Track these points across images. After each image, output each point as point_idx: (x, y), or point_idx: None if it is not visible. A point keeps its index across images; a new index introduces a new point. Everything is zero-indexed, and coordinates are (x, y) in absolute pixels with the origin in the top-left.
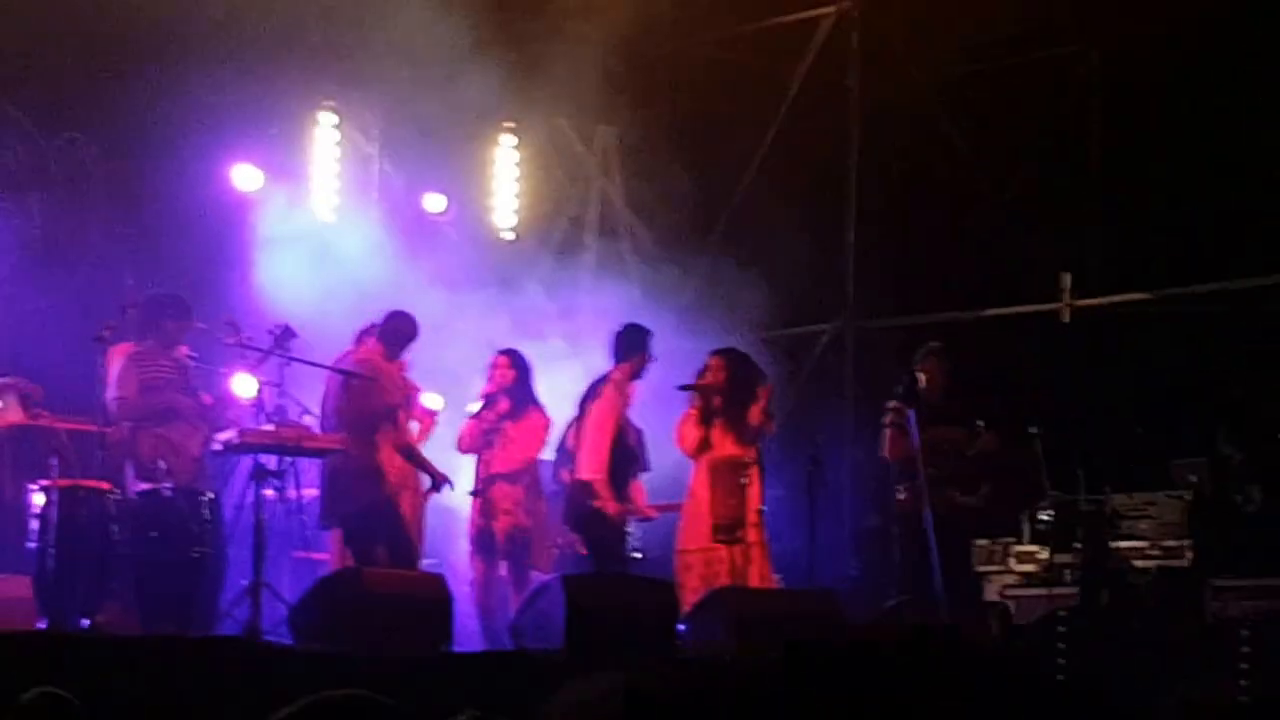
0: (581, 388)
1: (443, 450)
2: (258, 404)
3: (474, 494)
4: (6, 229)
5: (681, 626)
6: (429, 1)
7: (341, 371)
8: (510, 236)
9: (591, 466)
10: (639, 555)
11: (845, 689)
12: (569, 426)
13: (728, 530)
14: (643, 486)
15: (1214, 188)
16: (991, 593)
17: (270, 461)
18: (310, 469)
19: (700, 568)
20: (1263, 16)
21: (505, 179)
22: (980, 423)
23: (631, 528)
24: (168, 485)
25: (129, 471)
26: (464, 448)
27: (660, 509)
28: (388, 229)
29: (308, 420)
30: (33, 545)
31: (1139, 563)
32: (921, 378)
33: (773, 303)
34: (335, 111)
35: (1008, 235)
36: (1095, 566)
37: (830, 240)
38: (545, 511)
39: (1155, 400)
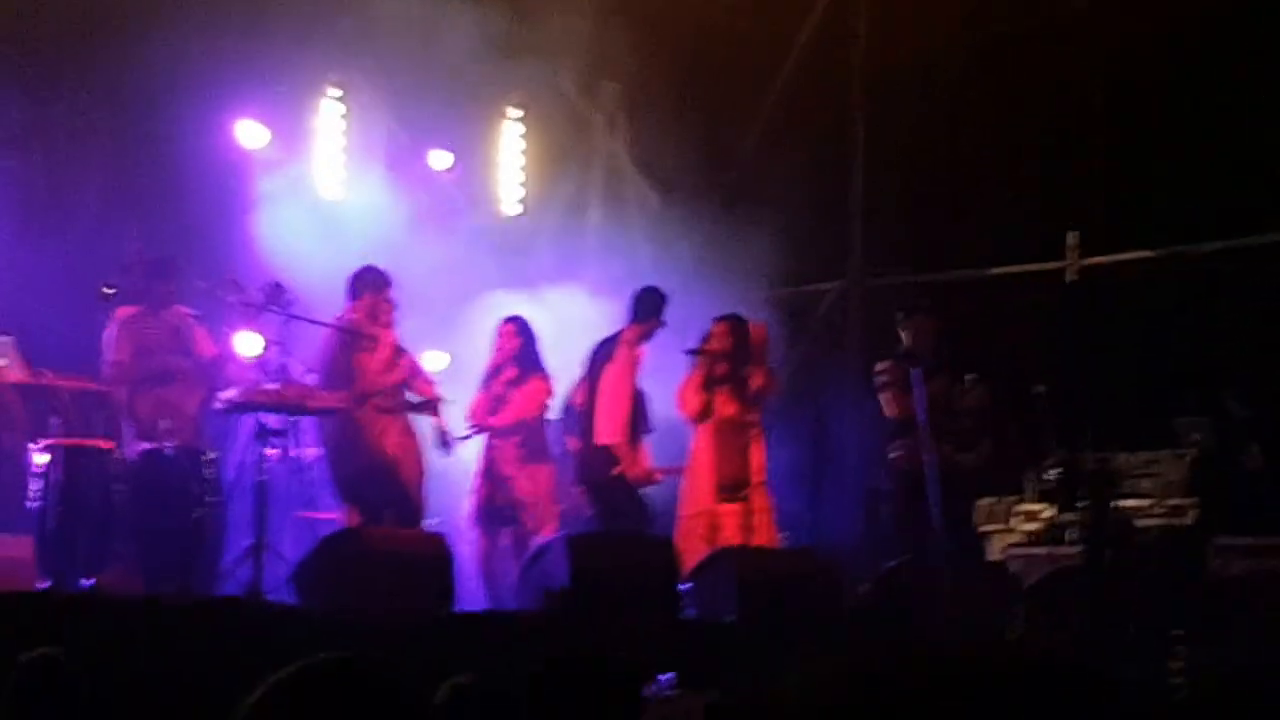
0: (585, 348)
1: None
2: (261, 363)
3: (464, 438)
4: (8, 187)
5: (684, 586)
6: None
7: (337, 328)
8: (516, 194)
9: (610, 431)
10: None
11: None
12: (576, 386)
13: (731, 489)
14: (647, 449)
15: (1221, 145)
16: (994, 552)
17: (273, 421)
18: (313, 428)
19: (703, 530)
20: None
21: (510, 136)
22: (971, 376)
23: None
24: (169, 445)
25: (128, 433)
26: (475, 420)
27: (665, 472)
28: (393, 186)
29: (311, 379)
30: (34, 505)
31: (1142, 521)
32: (906, 336)
33: (778, 261)
34: (340, 86)
35: (1013, 193)
36: (1099, 525)
37: (836, 198)
38: (549, 475)
39: (1160, 358)
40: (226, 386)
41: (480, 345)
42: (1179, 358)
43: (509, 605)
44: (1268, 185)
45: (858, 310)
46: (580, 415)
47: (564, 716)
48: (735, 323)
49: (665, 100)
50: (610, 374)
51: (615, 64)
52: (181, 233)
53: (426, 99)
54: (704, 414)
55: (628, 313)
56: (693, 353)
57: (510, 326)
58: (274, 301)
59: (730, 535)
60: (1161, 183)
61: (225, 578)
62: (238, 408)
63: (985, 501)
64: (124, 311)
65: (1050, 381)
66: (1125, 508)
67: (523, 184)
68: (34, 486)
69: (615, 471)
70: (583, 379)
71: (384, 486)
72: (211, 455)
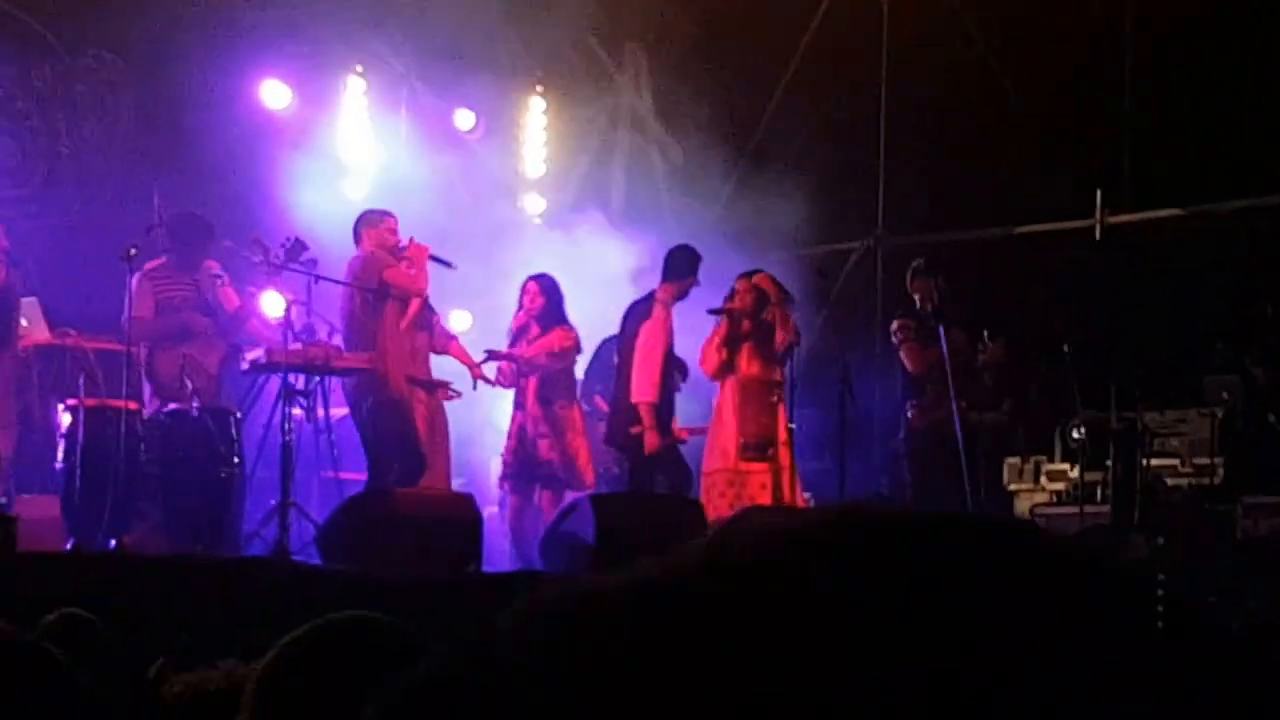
0: (611, 308)
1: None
2: (285, 323)
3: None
4: (34, 147)
5: None
6: None
7: (358, 288)
8: (540, 154)
9: (642, 389)
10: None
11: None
12: (606, 344)
13: (758, 449)
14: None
15: (1249, 102)
16: (1021, 511)
17: (298, 381)
18: (338, 388)
19: (724, 487)
20: None
21: (535, 96)
22: (985, 333)
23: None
24: (195, 404)
25: (146, 391)
26: (506, 383)
27: (691, 432)
28: (417, 146)
29: (336, 340)
30: (60, 465)
31: (1170, 480)
32: (916, 298)
33: (802, 220)
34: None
35: (1040, 151)
36: (1127, 484)
37: (861, 157)
38: (581, 431)
39: (1188, 316)
40: (247, 343)
41: (505, 304)
42: (1207, 316)
43: (535, 561)
44: None
45: (883, 270)
46: (608, 374)
47: None
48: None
49: (690, 59)
50: (645, 333)
51: (640, 23)
52: (205, 192)
53: (450, 59)
54: (723, 371)
55: (661, 272)
56: (716, 312)
57: (534, 284)
58: (294, 258)
59: (754, 494)
60: (1190, 140)
61: (251, 538)
62: (263, 368)
63: (1013, 460)
64: (149, 265)
65: (1077, 340)
66: (1153, 467)
67: (546, 144)
68: (59, 447)
69: (635, 431)
70: (614, 338)
71: (401, 442)
72: (237, 414)
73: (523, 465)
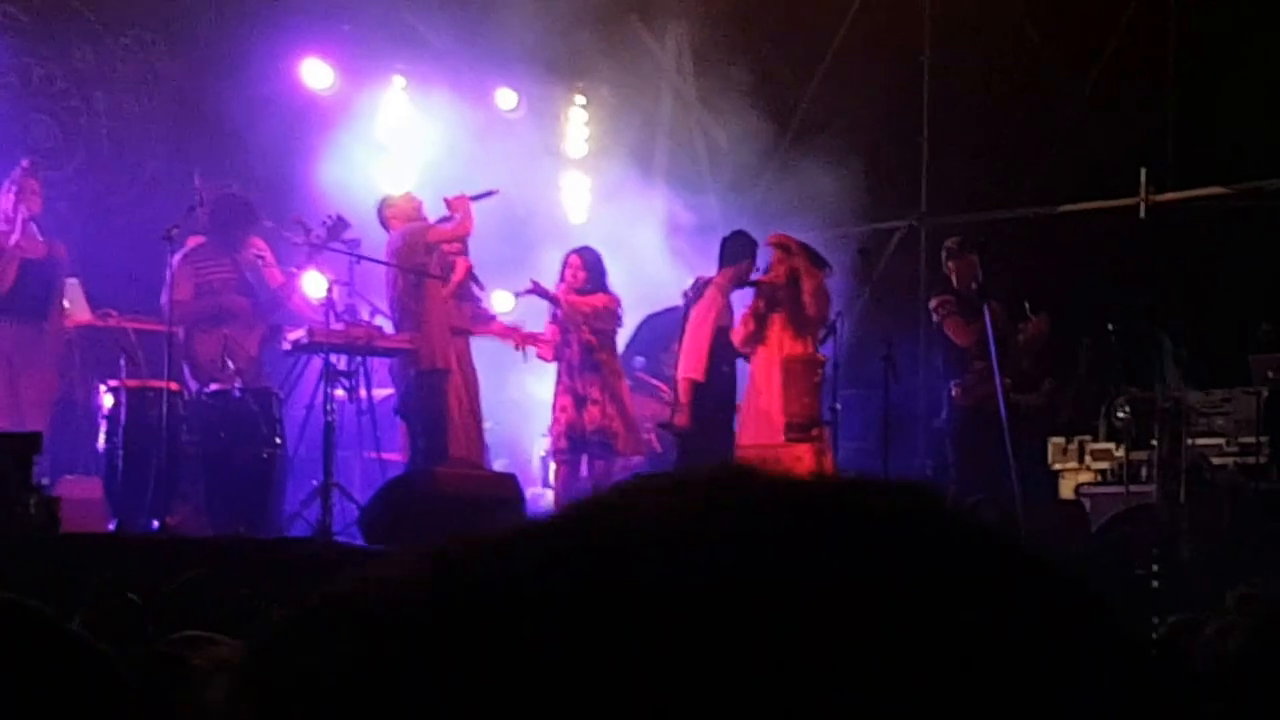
0: (652, 285)
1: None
2: (328, 303)
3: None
4: (74, 128)
5: None
6: None
7: (400, 268)
8: (582, 133)
9: (686, 366)
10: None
11: None
12: (649, 320)
13: (801, 429)
14: None
15: None
16: (1067, 490)
17: (340, 361)
18: (380, 369)
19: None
20: None
21: (578, 75)
22: (1026, 305)
23: None
24: (237, 386)
25: (186, 372)
26: (549, 356)
27: None
28: (458, 125)
29: (378, 320)
30: (102, 446)
31: (1216, 459)
32: (953, 277)
33: (845, 200)
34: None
35: (1084, 130)
36: (1172, 464)
37: (904, 136)
38: (627, 398)
39: (1233, 295)
40: (289, 322)
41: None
42: (1253, 294)
43: None
44: None
45: (926, 249)
46: (659, 350)
47: None
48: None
49: (733, 39)
50: (695, 313)
51: (683, 2)
52: (246, 172)
53: (492, 37)
54: (749, 341)
55: (719, 258)
56: (749, 284)
57: (577, 258)
58: (336, 236)
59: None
60: (1235, 117)
61: (293, 519)
62: (305, 348)
63: (1057, 440)
64: (190, 245)
65: (1121, 319)
66: (1198, 446)
67: (587, 123)
68: (102, 428)
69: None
70: (681, 316)
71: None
72: (279, 395)
73: (572, 435)
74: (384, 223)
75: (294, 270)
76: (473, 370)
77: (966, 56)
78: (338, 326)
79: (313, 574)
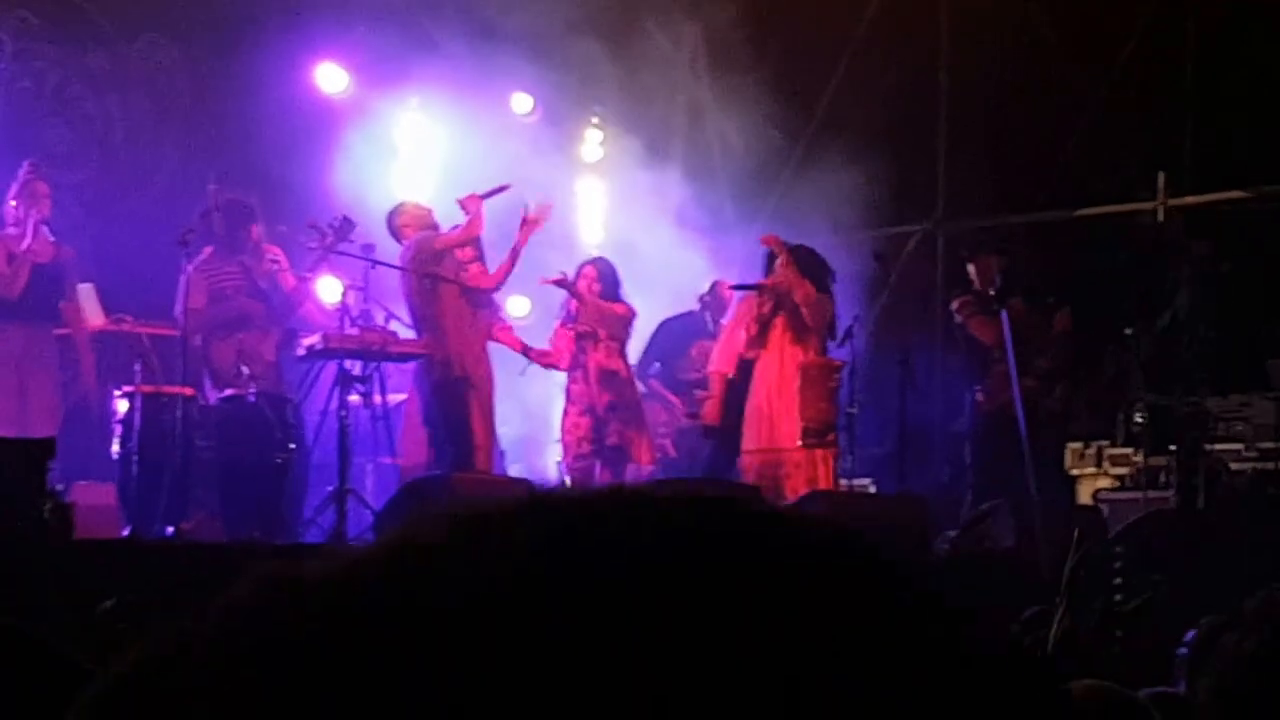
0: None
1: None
2: (342, 308)
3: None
4: (88, 133)
5: None
6: None
7: (414, 271)
8: (597, 138)
9: (717, 359)
10: None
11: None
12: (664, 326)
13: (818, 434)
14: None
15: None
16: (1085, 495)
17: (355, 367)
18: (395, 374)
19: (761, 469)
20: None
21: (593, 79)
22: (1050, 299)
23: None
24: (251, 391)
25: (206, 381)
26: (564, 364)
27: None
28: (473, 130)
29: (393, 325)
30: (117, 452)
31: (1235, 465)
32: (971, 269)
33: (861, 204)
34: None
35: (1102, 133)
36: (1191, 469)
37: (921, 141)
38: (639, 406)
39: (1252, 299)
40: (302, 328)
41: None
42: (1271, 298)
43: None
44: None
45: (942, 253)
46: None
47: None
48: (797, 254)
49: (748, 43)
50: (732, 309)
51: (700, 8)
52: (260, 177)
53: (507, 41)
54: (750, 346)
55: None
56: (740, 288)
57: (591, 269)
58: (343, 237)
59: (813, 479)
60: (1254, 120)
61: (308, 525)
62: (320, 354)
63: (1075, 445)
64: (199, 258)
65: (1139, 324)
66: (1217, 451)
67: (602, 128)
68: (116, 433)
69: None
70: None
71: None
72: (294, 401)
73: (588, 443)
74: (395, 232)
75: (308, 275)
76: (490, 375)
77: (983, 60)
78: (352, 331)
79: None
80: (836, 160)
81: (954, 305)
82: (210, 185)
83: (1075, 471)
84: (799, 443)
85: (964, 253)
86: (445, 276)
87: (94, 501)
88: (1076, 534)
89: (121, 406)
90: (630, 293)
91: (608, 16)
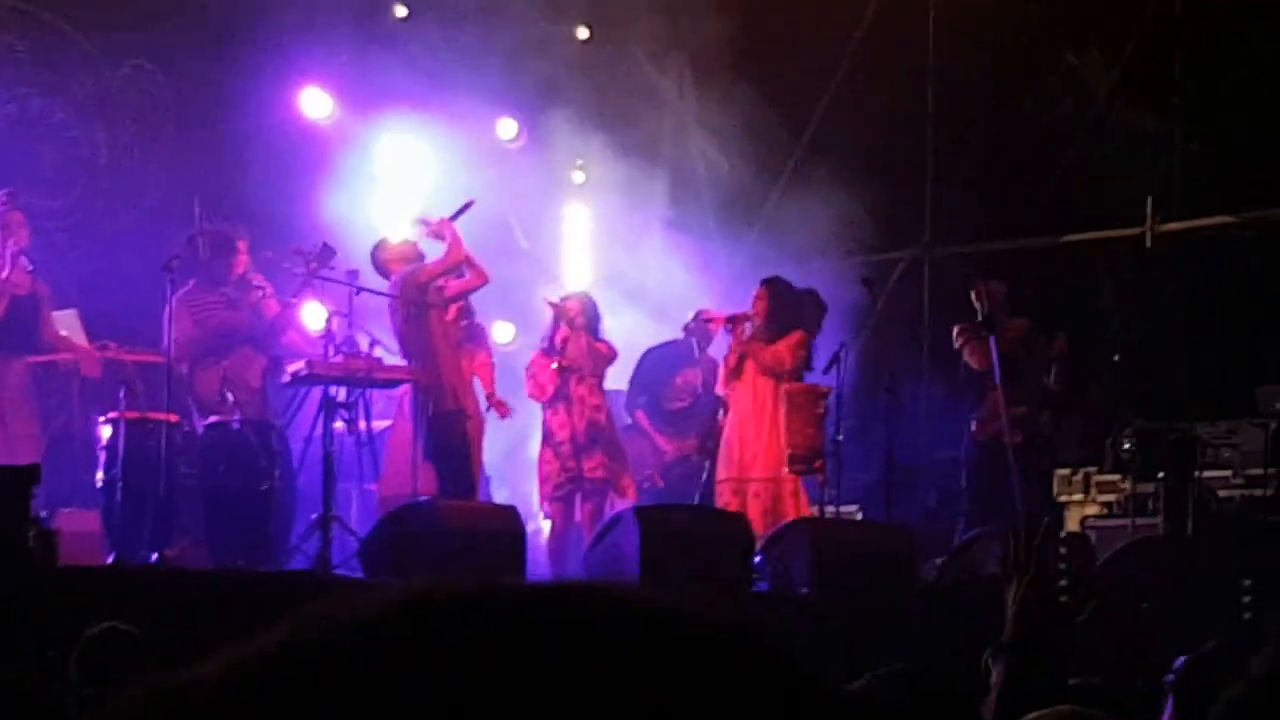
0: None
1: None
2: (327, 334)
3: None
4: (73, 158)
5: (757, 558)
6: None
7: (397, 297)
8: (580, 163)
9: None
10: None
11: None
12: (649, 354)
13: (805, 460)
14: None
15: None
16: (1073, 522)
17: (340, 393)
18: (380, 400)
19: (729, 496)
20: None
21: (577, 106)
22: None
23: None
24: (236, 418)
25: (192, 409)
26: (544, 396)
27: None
28: (458, 155)
29: (377, 352)
30: (101, 479)
31: (1223, 492)
32: (974, 295)
33: (848, 229)
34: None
35: (1090, 159)
36: (1179, 496)
37: (908, 166)
38: (616, 442)
39: (1240, 325)
40: (286, 354)
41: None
42: (1260, 324)
43: (576, 574)
44: None
45: (929, 279)
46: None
47: None
48: (774, 286)
49: (735, 68)
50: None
51: (685, 31)
52: (245, 203)
53: (492, 66)
54: (729, 377)
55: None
56: (707, 320)
57: (577, 304)
58: (324, 263)
59: (777, 509)
60: (1242, 145)
61: (293, 551)
62: (304, 380)
63: (1063, 471)
64: (182, 290)
65: (1127, 350)
66: (1205, 478)
67: (588, 153)
68: (100, 460)
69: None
70: None
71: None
72: (279, 427)
73: (567, 475)
74: (381, 268)
75: (292, 301)
76: (478, 405)
77: (971, 86)
78: (337, 358)
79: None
80: (823, 185)
81: (955, 331)
82: (197, 210)
83: (1063, 498)
84: (784, 469)
85: (973, 275)
86: (434, 303)
87: (78, 528)
88: (1045, 522)
89: (105, 433)
90: (615, 319)
91: (594, 43)
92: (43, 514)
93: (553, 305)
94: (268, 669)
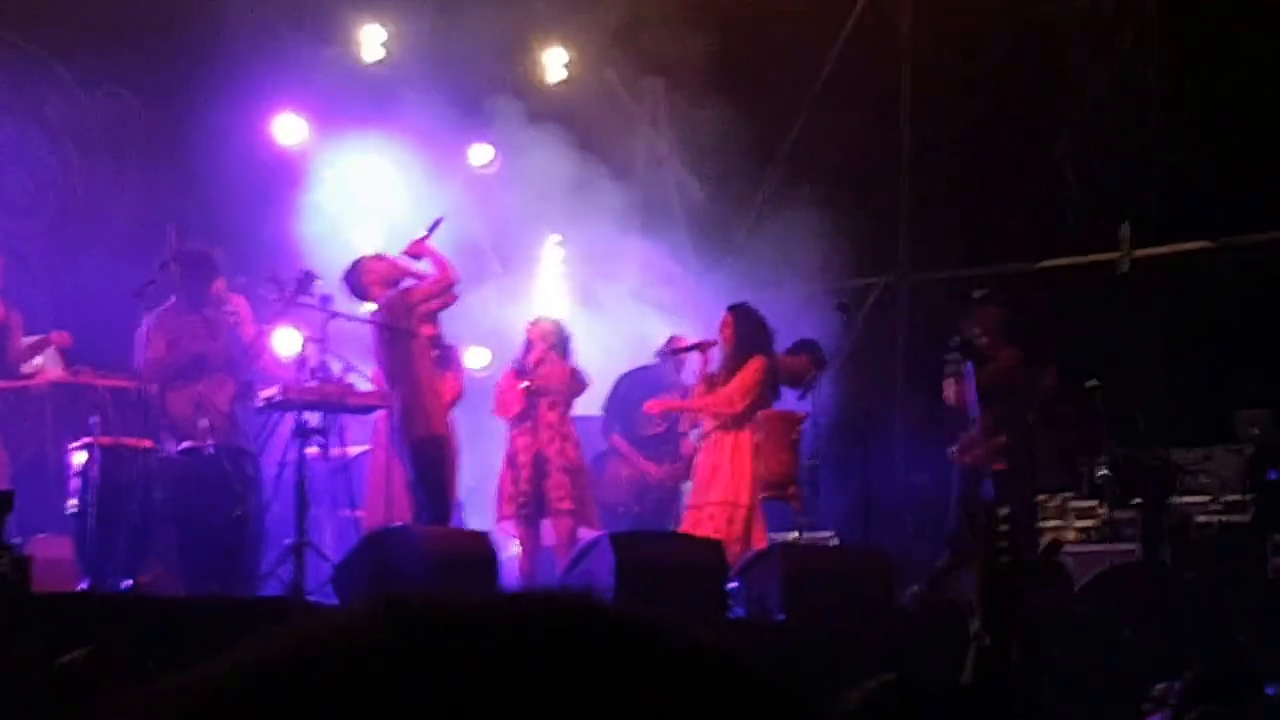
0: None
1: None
2: (301, 359)
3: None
4: (47, 183)
5: (733, 584)
6: None
7: (376, 324)
8: (558, 189)
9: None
10: None
11: None
12: (624, 379)
13: (779, 487)
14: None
15: (1277, 133)
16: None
17: (313, 418)
18: (355, 426)
19: (702, 520)
20: None
21: (552, 131)
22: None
23: None
24: (210, 444)
25: (162, 431)
26: (510, 413)
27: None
28: (432, 180)
29: (351, 377)
30: (74, 505)
31: (1200, 518)
32: (973, 328)
33: (823, 254)
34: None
35: (1066, 184)
36: (1156, 522)
37: (883, 191)
38: (582, 466)
39: (1217, 351)
40: (259, 378)
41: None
42: (1236, 349)
43: None
44: None
45: (904, 304)
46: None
47: None
48: (739, 313)
49: (708, 93)
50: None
51: (658, 57)
52: (220, 228)
53: (467, 91)
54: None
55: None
56: (676, 352)
57: (551, 326)
58: (304, 290)
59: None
60: (1219, 171)
61: (266, 578)
62: (278, 405)
63: (1040, 497)
64: (159, 309)
65: (1105, 375)
66: (1182, 504)
67: (562, 178)
68: (73, 486)
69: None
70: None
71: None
72: (252, 453)
73: (528, 499)
74: (361, 290)
75: (266, 327)
76: (454, 430)
77: (946, 111)
78: (311, 383)
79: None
80: (799, 210)
81: (946, 356)
82: (170, 235)
83: (1040, 524)
84: (745, 494)
85: (972, 301)
86: (412, 330)
87: (51, 555)
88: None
89: (79, 459)
90: (590, 345)
91: (569, 69)
92: (16, 540)
93: (528, 327)
94: (246, 680)
